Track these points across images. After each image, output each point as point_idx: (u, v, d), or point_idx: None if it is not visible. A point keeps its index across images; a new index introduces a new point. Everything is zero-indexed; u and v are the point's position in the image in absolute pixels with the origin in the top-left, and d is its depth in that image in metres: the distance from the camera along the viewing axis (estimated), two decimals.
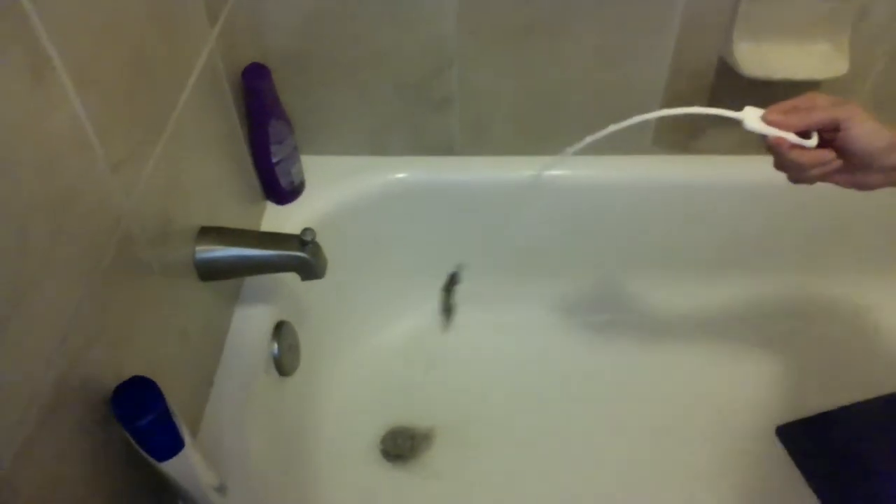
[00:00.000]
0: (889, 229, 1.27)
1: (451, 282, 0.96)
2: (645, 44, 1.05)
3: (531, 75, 1.08)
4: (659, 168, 1.19)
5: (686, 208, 1.23)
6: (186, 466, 0.64)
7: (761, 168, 1.19)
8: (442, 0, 0.99)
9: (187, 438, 0.63)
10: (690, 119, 1.14)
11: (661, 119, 1.16)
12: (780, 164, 0.71)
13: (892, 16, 1.03)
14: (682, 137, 1.18)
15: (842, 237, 1.29)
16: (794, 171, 0.70)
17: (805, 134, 0.68)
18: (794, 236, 1.28)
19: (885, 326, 1.32)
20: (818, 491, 1.10)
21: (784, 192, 1.17)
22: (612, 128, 0.70)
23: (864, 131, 0.67)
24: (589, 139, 0.71)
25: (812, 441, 1.17)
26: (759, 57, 1.03)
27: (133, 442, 0.60)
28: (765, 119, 0.68)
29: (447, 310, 0.99)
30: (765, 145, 0.70)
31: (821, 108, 0.68)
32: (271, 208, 1.12)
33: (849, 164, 0.69)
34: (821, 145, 0.69)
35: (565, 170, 1.18)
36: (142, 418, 0.58)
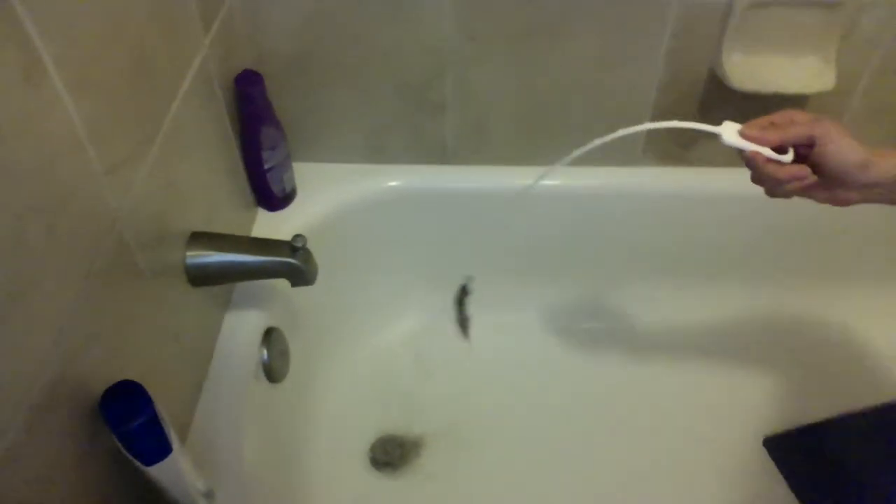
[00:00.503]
0: (878, 245, 1.29)
1: (463, 293, 0.96)
2: (636, 55, 1.06)
3: (528, 79, 1.09)
4: (649, 179, 1.20)
5: (675, 219, 1.24)
6: (174, 471, 0.64)
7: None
8: (440, 3, 1.00)
9: (175, 443, 0.63)
10: (679, 131, 1.15)
11: (651, 130, 1.18)
12: (757, 178, 0.72)
13: (879, 30, 1.04)
14: (671, 149, 1.19)
15: (831, 251, 1.30)
16: (770, 185, 0.71)
17: (781, 149, 0.69)
18: (784, 250, 1.29)
19: (873, 340, 1.33)
20: (804, 502, 1.11)
21: (772, 206, 1.19)
22: (598, 141, 0.71)
23: (839, 148, 0.68)
24: (576, 153, 0.73)
25: (799, 452, 1.17)
26: (748, 69, 1.04)
27: (120, 446, 0.59)
28: (742, 134, 0.69)
29: (462, 321, 0.99)
30: (742, 159, 0.71)
31: (797, 124, 0.69)
32: (262, 215, 1.12)
33: (824, 179, 0.70)
34: (797, 160, 0.70)
35: (555, 180, 1.18)
36: (130, 422, 0.58)
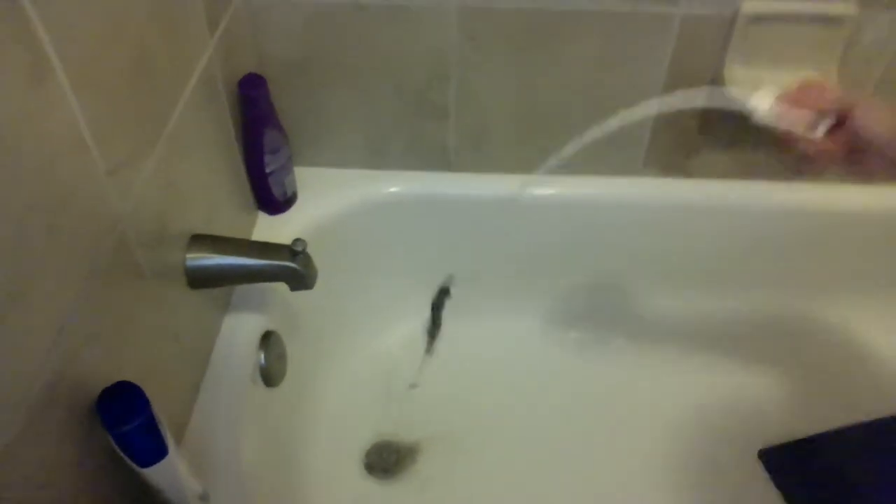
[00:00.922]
0: (879, 255, 1.29)
1: (442, 295, 0.95)
2: (639, 66, 1.06)
3: (530, 86, 1.09)
4: (649, 189, 1.20)
5: (675, 228, 1.24)
6: (169, 474, 0.63)
7: (754, 190, 1.21)
8: (443, 4, 1.00)
9: (171, 445, 0.62)
10: (681, 141, 1.16)
11: (653, 141, 1.18)
12: (786, 155, 0.71)
13: (879, 45, 1.05)
14: (672, 160, 1.19)
15: (833, 262, 1.30)
16: (801, 162, 0.70)
17: (816, 121, 0.68)
18: (783, 258, 1.29)
19: (873, 351, 1.33)
20: None
21: (772, 215, 1.18)
22: (596, 132, 0.69)
23: (873, 120, 0.66)
24: (570, 149, 0.71)
25: (794, 465, 1.17)
26: (751, 82, 1.04)
27: (116, 447, 0.59)
28: (776, 108, 0.68)
29: (434, 327, 0.97)
30: (775, 135, 0.70)
31: (831, 97, 0.68)
32: (263, 218, 1.12)
33: (854, 151, 0.68)
34: (832, 129, 0.68)
35: (556, 188, 1.19)
36: (127, 424, 0.58)
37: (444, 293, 0.94)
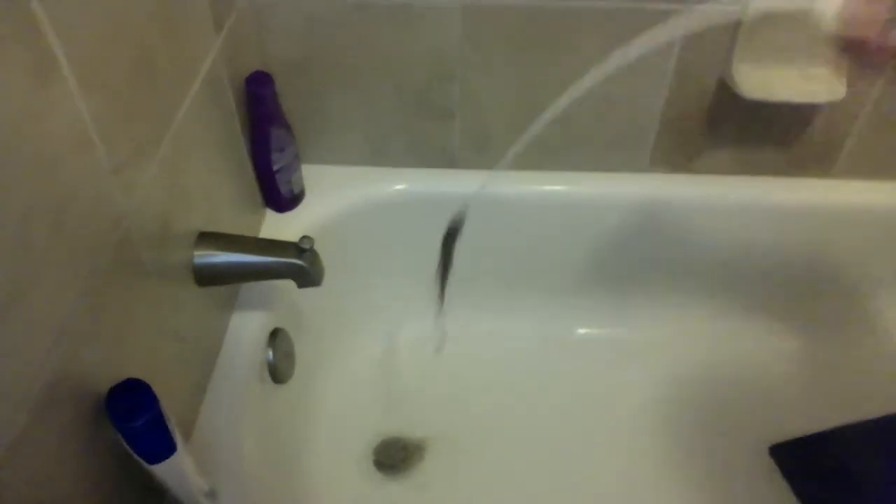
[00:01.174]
0: (887, 250, 1.28)
1: (453, 233, 0.90)
2: (644, 66, 1.06)
3: (530, 85, 1.09)
4: (652, 186, 1.20)
5: (680, 225, 1.23)
6: (178, 470, 0.64)
7: (759, 186, 1.20)
8: (446, 6, 1.00)
9: (179, 442, 0.63)
10: (686, 139, 1.15)
11: (659, 139, 1.17)
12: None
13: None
14: (679, 158, 1.18)
15: (840, 258, 1.29)
16: (868, 68, 0.68)
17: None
18: (789, 256, 1.28)
19: (882, 347, 1.32)
20: None
21: (778, 213, 1.18)
22: (551, 111, 0.68)
23: None
24: (526, 136, 0.70)
25: (805, 461, 1.16)
26: (758, 79, 1.04)
27: (125, 444, 0.60)
28: (850, 4, 0.66)
29: (445, 270, 0.93)
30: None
31: None
32: (271, 216, 1.12)
33: None
34: None
35: (559, 185, 1.19)
36: (136, 420, 0.58)
37: (455, 230, 0.90)
